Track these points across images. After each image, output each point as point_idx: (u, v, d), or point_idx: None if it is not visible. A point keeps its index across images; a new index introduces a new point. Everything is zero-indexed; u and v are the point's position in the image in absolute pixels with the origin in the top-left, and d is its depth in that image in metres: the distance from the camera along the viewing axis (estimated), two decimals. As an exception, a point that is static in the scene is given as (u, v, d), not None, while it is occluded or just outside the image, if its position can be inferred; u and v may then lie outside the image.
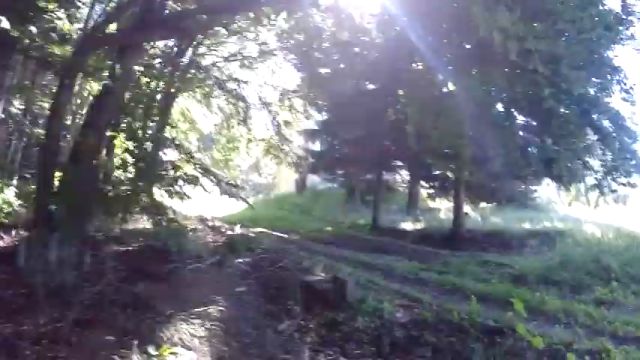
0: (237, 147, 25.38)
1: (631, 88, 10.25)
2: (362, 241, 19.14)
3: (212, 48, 21.72)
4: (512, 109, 9.98)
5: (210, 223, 18.18)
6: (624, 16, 10.67)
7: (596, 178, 11.40)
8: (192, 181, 12.87)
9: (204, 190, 14.14)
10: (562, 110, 10.06)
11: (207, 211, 25.55)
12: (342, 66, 22.75)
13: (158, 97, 17.19)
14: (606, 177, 10.79)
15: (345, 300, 7.00)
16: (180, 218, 14.47)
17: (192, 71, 20.32)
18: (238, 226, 17.64)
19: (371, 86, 23.90)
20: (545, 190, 36.65)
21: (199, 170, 14.12)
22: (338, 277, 7.63)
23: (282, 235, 19.17)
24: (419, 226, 22.42)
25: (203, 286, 7.33)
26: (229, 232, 15.11)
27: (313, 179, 35.79)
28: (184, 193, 13.02)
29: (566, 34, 8.73)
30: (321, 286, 7.79)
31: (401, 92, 12.43)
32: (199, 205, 27.86)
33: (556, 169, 12.63)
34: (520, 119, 16.47)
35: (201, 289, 7.09)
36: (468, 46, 10.33)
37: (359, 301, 7.10)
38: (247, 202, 14.36)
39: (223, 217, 25.61)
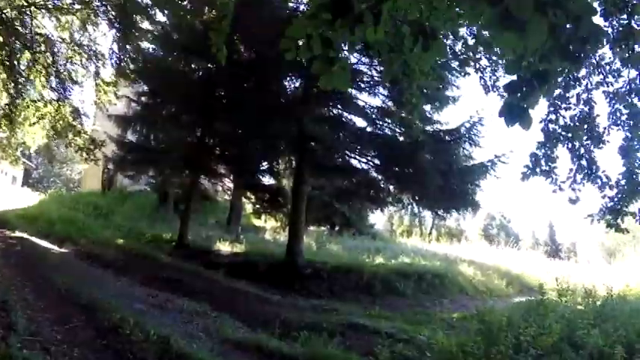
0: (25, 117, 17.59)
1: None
2: (155, 267, 12.26)
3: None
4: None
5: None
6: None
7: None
8: None
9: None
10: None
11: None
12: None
13: None
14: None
15: None
16: None
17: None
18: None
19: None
20: (376, 217, 32.81)
21: None
22: None
23: (46, 245, 11.98)
24: (238, 248, 15.88)
25: None
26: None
27: (124, 179, 27.95)
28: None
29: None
30: None
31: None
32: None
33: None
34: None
35: None
36: None
37: None
38: None
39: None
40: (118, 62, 17.16)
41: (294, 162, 16.04)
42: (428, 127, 13.87)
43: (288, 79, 15.55)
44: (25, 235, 12.72)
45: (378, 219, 36.14)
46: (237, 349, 5.92)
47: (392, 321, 8.87)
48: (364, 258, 14.90)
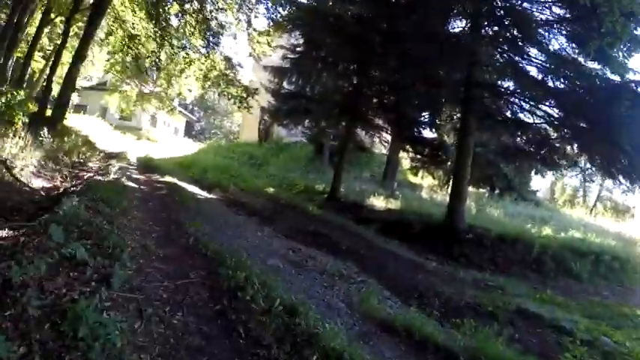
0: (179, 69, 17.77)
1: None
2: (303, 218, 11.37)
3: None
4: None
5: (111, 165, 12.38)
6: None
7: None
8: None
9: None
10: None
11: (150, 152, 21.39)
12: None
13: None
14: None
15: None
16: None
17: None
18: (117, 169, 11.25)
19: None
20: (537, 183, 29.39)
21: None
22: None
23: (194, 190, 12.06)
24: (393, 205, 14.55)
25: None
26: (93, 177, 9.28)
27: (281, 130, 27.82)
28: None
29: None
30: None
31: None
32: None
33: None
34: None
35: None
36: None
37: None
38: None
39: (157, 159, 19.63)
40: (269, 11, 16.62)
41: (457, 115, 14.29)
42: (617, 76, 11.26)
43: (453, 18, 13.73)
44: (175, 181, 12.47)
45: (539, 185, 32.79)
46: (382, 330, 4.64)
47: (567, 310, 7.19)
48: (529, 228, 12.83)
